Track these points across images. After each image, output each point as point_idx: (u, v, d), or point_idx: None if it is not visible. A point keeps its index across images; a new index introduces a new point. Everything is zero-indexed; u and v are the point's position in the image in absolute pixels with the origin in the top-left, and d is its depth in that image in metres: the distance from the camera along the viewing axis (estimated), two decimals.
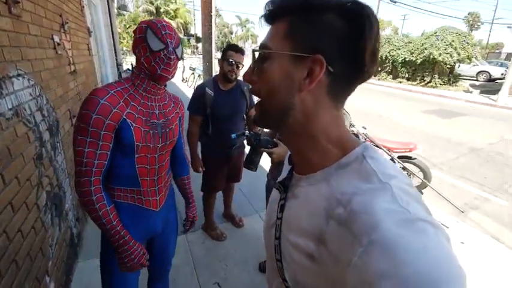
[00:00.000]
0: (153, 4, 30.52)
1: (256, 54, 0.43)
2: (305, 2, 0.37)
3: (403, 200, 0.32)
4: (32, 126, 1.34)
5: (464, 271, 0.29)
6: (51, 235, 1.45)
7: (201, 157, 1.98)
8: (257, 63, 0.42)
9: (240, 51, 1.75)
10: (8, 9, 1.20)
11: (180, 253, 1.29)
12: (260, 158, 1.26)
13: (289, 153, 0.54)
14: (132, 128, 0.88)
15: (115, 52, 5.89)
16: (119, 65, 6.32)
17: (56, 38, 1.85)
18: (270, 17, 0.41)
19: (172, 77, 0.93)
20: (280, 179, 0.52)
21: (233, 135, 1.49)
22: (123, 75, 6.57)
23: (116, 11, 9.36)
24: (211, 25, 3.76)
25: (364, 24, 0.36)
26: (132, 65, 7.87)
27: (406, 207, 0.31)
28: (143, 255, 0.98)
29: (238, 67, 1.74)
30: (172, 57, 0.88)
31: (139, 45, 0.87)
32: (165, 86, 1.00)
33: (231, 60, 1.70)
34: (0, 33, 1.12)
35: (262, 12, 0.42)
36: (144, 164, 0.96)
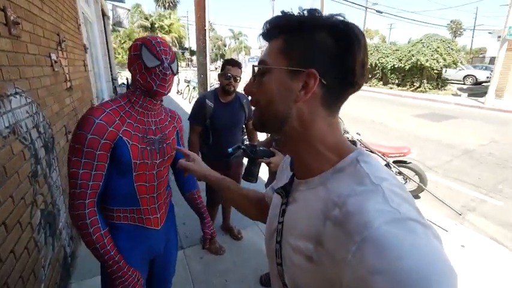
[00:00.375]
0: (148, 20, 31.00)
1: (256, 68, 0.46)
2: (299, 22, 0.41)
3: (394, 201, 0.34)
4: (28, 144, 1.34)
5: (455, 270, 0.30)
6: (44, 255, 1.41)
7: None
8: (257, 76, 0.46)
9: (237, 65, 1.82)
10: (8, 31, 1.22)
11: (177, 269, 1.25)
12: (259, 169, 1.27)
13: (290, 159, 0.56)
14: (129, 146, 0.86)
15: (110, 67, 5.93)
16: (114, 80, 6.36)
17: (53, 56, 1.87)
18: (267, 35, 0.45)
19: (169, 92, 0.94)
20: (281, 184, 0.54)
21: (229, 149, 1.50)
22: (118, 89, 6.59)
23: (111, 27, 9.49)
24: (205, 39, 3.84)
25: (352, 43, 0.39)
26: (127, 79, 7.89)
27: (396, 208, 0.33)
28: (137, 281, 0.94)
29: (235, 80, 1.81)
30: (167, 72, 0.87)
31: (135, 62, 0.87)
32: (161, 101, 1.00)
33: (228, 74, 1.78)
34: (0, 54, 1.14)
35: (261, 30, 0.46)
36: (142, 182, 0.94)
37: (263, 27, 0.45)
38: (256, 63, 0.47)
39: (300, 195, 0.46)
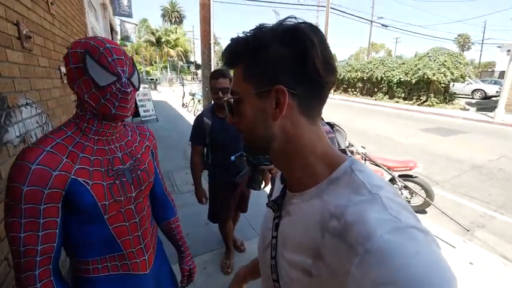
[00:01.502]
0: (154, 35, 32.11)
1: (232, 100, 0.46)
2: (246, 47, 0.41)
3: (393, 209, 0.34)
4: None
5: (455, 274, 0.30)
6: None
7: (208, 185, 1.99)
8: (233, 107, 0.46)
9: (222, 75, 1.69)
10: (21, 44, 1.29)
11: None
12: (261, 176, 1.27)
13: (280, 172, 0.56)
14: (89, 187, 0.68)
15: None
16: None
17: (63, 69, 1.96)
18: (229, 65, 0.45)
19: (132, 113, 0.73)
20: (273, 197, 0.53)
21: (232, 158, 1.52)
22: None
23: (118, 42, 9.86)
24: (210, 53, 3.96)
25: (305, 44, 0.38)
26: None
27: (396, 216, 0.33)
28: None
29: (224, 92, 1.68)
30: (128, 90, 0.68)
31: (78, 78, 0.65)
32: (123, 120, 0.79)
33: (215, 87, 1.70)
34: (12, 66, 1.20)
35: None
36: (120, 222, 0.76)
37: (222, 58, 0.45)
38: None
39: (294, 208, 0.45)
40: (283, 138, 0.43)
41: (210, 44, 3.87)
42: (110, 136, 0.75)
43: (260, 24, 0.42)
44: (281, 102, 0.40)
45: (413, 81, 12.36)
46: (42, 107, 1.54)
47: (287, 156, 0.44)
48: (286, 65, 0.39)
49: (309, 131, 0.43)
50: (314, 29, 0.40)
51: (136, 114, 7.55)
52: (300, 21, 0.41)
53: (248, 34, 0.41)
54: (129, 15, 8.75)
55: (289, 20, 0.41)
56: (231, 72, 0.51)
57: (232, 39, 0.43)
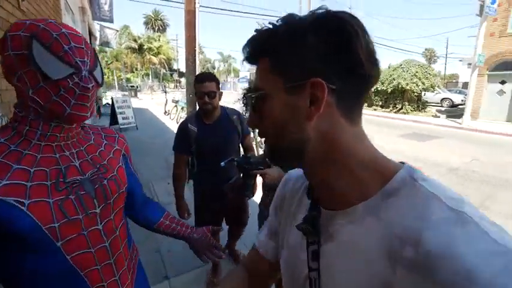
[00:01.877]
0: (136, 42, 31.52)
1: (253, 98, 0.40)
2: (275, 36, 0.35)
3: (496, 234, 0.26)
4: None
5: None
6: None
7: (194, 194, 1.85)
8: (255, 106, 0.39)
9: (207, 79, 1.59)
10: None
11: None
12: (254, 182, 1.20)
13: (304, 184, 0.47)
14: (25, 208, 0.53)
15: None
16: (98, 99, 6.22)
17: None
18: (251, 59, 0.39)
19: (92, 113, 0.61)
20: (300, 217, 0.43)
21: (222, 164, 1.42)
22: (102, 109, 6.40)
23: (97, 48, 9.51)
24: (195, 59, 3.89)
25: (349, 34, 0.33)
26: (112, 99, 7.73)
27: (504, 244, 0.25)
28: None
29: (210, 96, 1.58)
30: (90, 86, 0.55)
31: (20, 69, 0.52)
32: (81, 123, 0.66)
33: (200, 91, 1.59)
34: None
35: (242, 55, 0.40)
36: (83, 248, 0.60)
37: (243, 52, 0.39)
38: (247, 87, 0.41)
39: (339, 230, 0.37)
40: (319, 141, 0.35)
41: (195, 50, 3.80)
42: (63, 141, 0.61)
43: (290, 13, 0.37)
44: (318, 98, 0.33)
45: (389, 90, 13.04)
46: (3, 110, 1.36)
47: (325, 163, 0.37)
48: (324, 56, 0.33)
49: (348, 132, 0.36)
50: (355, 18, 0.35)
51: (114, 121, 7.23)
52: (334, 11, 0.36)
53: (277, 23, 0.36)
54: (110, 20, 8.49)
55: (321, 10, 0.35)
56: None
57: (256, 30, 0.38)
